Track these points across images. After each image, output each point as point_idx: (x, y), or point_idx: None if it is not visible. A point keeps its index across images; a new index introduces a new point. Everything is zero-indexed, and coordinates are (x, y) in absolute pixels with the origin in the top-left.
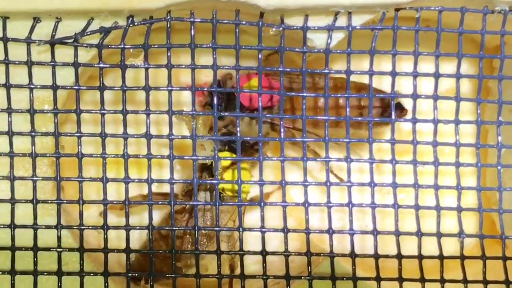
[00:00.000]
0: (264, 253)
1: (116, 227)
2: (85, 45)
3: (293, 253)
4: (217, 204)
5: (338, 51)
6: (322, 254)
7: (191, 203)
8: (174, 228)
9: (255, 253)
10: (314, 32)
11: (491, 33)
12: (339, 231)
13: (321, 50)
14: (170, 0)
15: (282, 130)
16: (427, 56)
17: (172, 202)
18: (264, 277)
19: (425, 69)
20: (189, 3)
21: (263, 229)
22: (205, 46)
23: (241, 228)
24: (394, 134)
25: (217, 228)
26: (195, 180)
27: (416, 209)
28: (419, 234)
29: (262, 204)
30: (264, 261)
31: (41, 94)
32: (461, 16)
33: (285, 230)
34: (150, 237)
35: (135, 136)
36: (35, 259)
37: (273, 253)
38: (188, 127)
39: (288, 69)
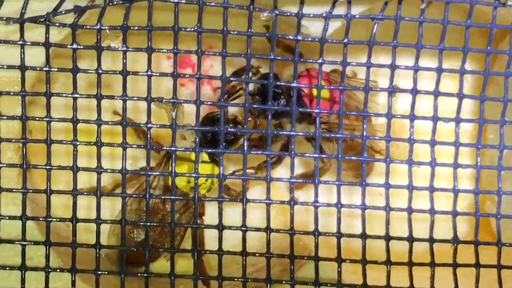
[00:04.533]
0: (244, 253)
1: (86, 220)
2: (57, 24)
3: (275, 255)
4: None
5: (334, 41)
6: (305, 257)
7: (170, 197)
8: (148, 224)
9: (235, 253)
10: (309, 19)
11: (501, 27)
12: (325, 233)
13: (316, 39)
14: None
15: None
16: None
17: (147, 196)
18: (242, 279)
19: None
20: None
21: (244, 228)
22: (189, 29)
23: (220, 226)
24: (390, 131)
25: (194, 226)
26: (173, 172)
27: (409, 212)
28: (411, 239)
29: (244, 200)
30: (244, 262)
31: (7, 74)
32: (470, 8)
33: (268, 230)
34: (122, 233)
35: (110, 123)
36: None
37: (253, 254)
38: (167, 115)
39: (278, 57)
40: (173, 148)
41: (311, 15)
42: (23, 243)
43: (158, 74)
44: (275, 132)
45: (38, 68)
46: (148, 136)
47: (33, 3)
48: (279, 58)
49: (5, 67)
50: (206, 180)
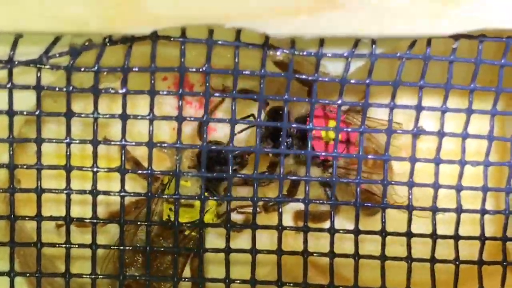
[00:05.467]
0: (227, 281)
1: (80, 275)
2: (51, 67)
3: (260, 282)
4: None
5: (356, 82)
6: (292, 284)
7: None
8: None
9: (218, 280)
10: (329, 59)
11: None
12: (314, 252)
13: (337, 80)
14: (162, 24)
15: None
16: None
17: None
18: None
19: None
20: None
21: (228, 249)
22: (196, 70)
23: (201, 250)
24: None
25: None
26: (176, 222)
27: (410, 209)
28: (409, 260)
29: (228, 225)
30: None
31: None
32: (506, 47)
33: (253, 251)
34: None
35: (106, 170)
36: None
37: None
38: (170, 161)
39: (294, 98)
40: (177, 196)
41: (331, 55)
42: None
43: (160, 118)
44: (288, 177)
45: (26, 113)
46: (149, 182)
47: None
48: (295, 99)
49: None
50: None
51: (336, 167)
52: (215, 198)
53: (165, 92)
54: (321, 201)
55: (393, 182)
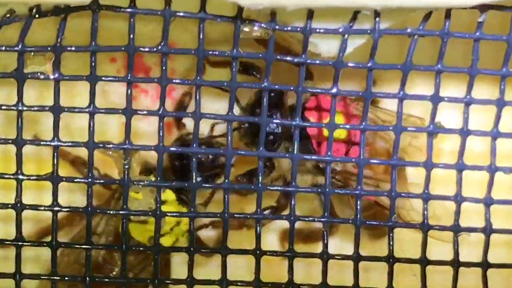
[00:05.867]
0: None
1: None
2: None
3: None
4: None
5: (354, 65)
6: None
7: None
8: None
9: None
10: (321, 36)
11: None
12: (302, 285)
13: (330, 63)
14: None
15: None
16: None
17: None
18: None
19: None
20: None
21: (190, 280)
22: (149, 49)
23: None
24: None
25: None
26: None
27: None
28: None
29: (191, 249)
30: None
31: None
32: None
33: (224, 283)
34: None
35: (34, 178)
36: None
37: None
38: (117, 167)
39: (275, 86)
40: (125, 212)
41: (322, 30)
42: None
43: (103, 110)
44: (268, 187)
45: None
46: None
47: None
48: (276, 86)
49: None
50: (172, 229)
51: (329, 174)
52: (174, 213)
53: (110, 78)
54: (310, 218)
55: (403, 194)
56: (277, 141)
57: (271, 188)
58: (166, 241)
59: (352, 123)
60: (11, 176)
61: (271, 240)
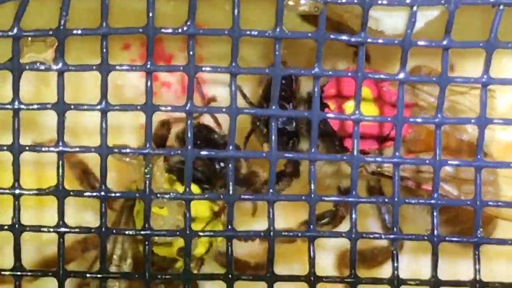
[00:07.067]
0: None
1: None
2: None
3: None
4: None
5: (426, 43)
6: None
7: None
8: None
9: None
10: (384, 9)
11: None
12: None
13: (396, 41)
14: None
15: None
16: None
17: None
18: None
19: None
20: None
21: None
22: (172, 31)
23: None
24: None
25: None
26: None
27: None
28: None
29: (230, 276)
30: None
31: None
32: None
33: None
34: None
35: (34, 192)
36: None
37: None
38: (137, 175)
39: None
40: (148, 232)
41: (386, 1)
42: None
43: (118, 107)
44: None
45: None
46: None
47: None
48: (330, 73)
49: None
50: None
51: (398, 179)
52: (207, 232)
53: (125, 67)
54: (376, 235)
55: (490, 203)
56: (291, 139)
57: (326, 199)
58: (198, 251)
59: (386, 108)
60: (7, 191)
61: (324, 259)
